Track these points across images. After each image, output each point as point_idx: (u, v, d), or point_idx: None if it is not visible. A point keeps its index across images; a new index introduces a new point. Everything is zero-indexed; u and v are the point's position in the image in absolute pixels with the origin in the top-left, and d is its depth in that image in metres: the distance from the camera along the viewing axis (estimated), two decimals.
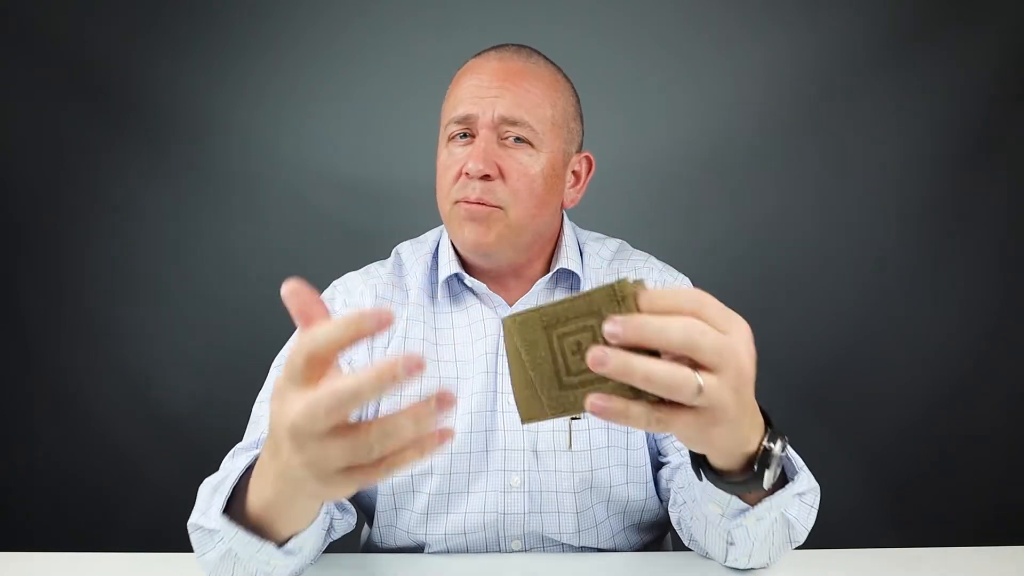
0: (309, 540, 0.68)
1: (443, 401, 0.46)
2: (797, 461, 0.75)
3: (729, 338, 0.50)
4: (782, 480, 0.68)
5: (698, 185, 1.84)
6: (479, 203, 0.89)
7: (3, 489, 1.86)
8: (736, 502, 0.68)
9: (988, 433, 1.81)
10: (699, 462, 0.65)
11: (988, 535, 1.02)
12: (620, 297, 0.50)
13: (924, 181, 1.80)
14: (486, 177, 0.88)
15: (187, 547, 0.90)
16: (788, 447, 0.65)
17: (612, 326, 0.48)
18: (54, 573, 0.87)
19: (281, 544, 0.64)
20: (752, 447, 0.59)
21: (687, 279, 1.04)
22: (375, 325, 0.45)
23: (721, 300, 0.52)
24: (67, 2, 1.79)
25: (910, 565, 0.87)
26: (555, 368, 0.52)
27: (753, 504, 0.68)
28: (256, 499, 0.61)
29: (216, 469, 0.81)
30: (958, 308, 1.81)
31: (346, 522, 0.85)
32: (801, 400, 1.82)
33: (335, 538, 0.85)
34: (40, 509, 1.85)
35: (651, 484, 0.96)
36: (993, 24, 1.75)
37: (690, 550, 0.88)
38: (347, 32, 1.84)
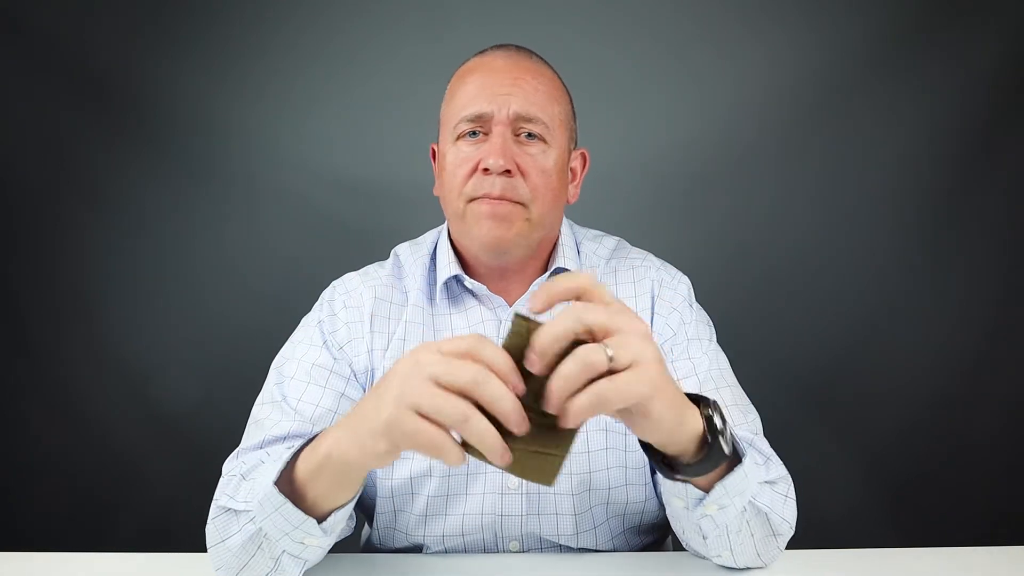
0: (340, 523, 0.71)
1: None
2: (763, 447, 0.78)
3: (611, 306, 0.57)
4: (735, 463, 0.70)
5: (698, 184, 1.84)
6: (501, 199, 0.88)
7: (3, 489, 1.86)
8: (692, 491, 0.71)
9: (988, 433, 1.81)
10: (658, 459, 0.69)
11: (988, 535, 1.02)
12: (527, 333, 0.56)
13: (924, 181, 1.80)
14: (506, 173, 0.88)
15: (186, 547, 0.90)
16: (733, 427, 0.70)
17: (528, 365, 0.56)
18: (54, 573, 0.86)
19: (320, 521, 0.68)
20: (697, 423, 0.65)
21: (686, 278, 1.03)
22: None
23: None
24: (67, 2, 1.79)
25: (910, 565, 0.87)
26: (539, 422, 0.57)
27: (707, 490, 0.70)
28: (304, 465, 0.66)
29: (215, 469, 0.81)
30: (958, 308, 1.81)
31: (349, 526, 0.86)
32: (801, 400, 1.82)
33: (338, 540, 0.85)
34: (40, 509, 1.85)
35: (651, 486, 0.95)
36: (993, 24, 1.75)
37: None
38: (347, 32, 1.84)
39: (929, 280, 1.82)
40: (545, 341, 0.54)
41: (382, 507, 0.94)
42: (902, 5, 1.77)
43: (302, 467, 0.66)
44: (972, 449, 1.81)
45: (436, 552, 0.94)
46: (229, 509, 0.74)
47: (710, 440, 0.66)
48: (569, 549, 0.94)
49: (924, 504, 1.82)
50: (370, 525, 1.01)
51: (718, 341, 0.99)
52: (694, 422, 0.65)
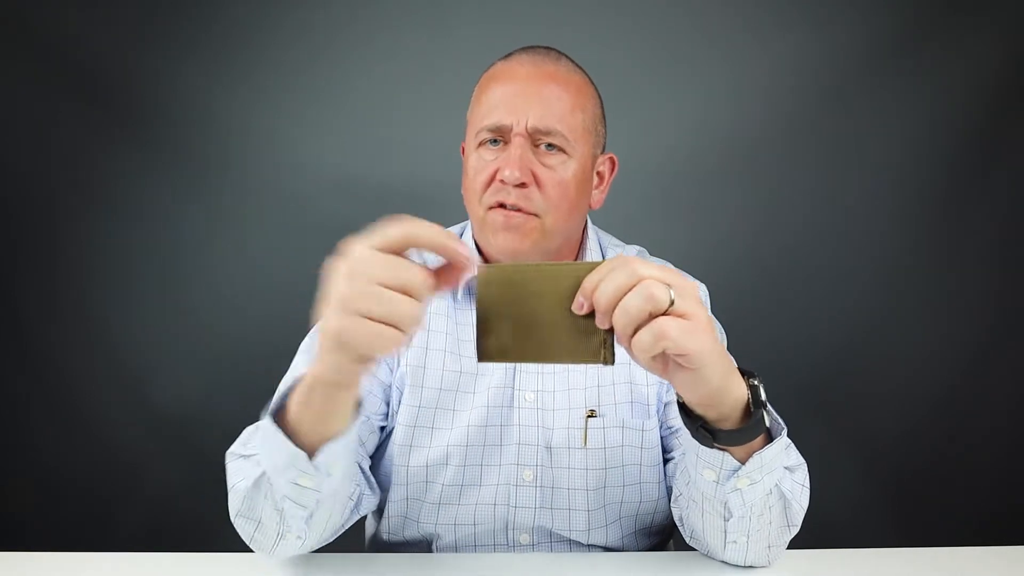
0: (334, 466, 0.70)
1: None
2: (783, 427, 0.79)
3: (664, 269, 0.60)
4: (768, 438, 0.72)
5: (698, 186, 1.84)
6: (516, 210, 0.89)
7: (1, 489, 1.85)
8: (729, 461, 0.71)
9: (988, 433, 1.81)
10: (697, 425, 0.70)
11: (988, 535, 1.02)
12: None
13: (924, 181, 1.80)
14: (521, 184, 0.89)
15: (185, 546, 0.90)
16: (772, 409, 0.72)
17: (576, 308, 0.60)
18: (54, 573, 0.86)
19: (312, 457, 0.68)
20: (742, 390, 0.67)
21: (703, 285, 1.04)
22: (461, 257, 0.60)
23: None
24: (68, 2, 1.79)
25: (910, 565, 0.87)
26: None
27: (744, 461, 0.71)
28: (294, 395, 0.67)
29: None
30: (958, 307, 1.81)
31: (373, 500, 0.88)
32: (801, 400, 1.81)
33: (362, 514, 0.87)
34: (39, 510, 1.85)
35: (663, 485, 0.96)
36: (993, 24, 1.75)
37: (693, 550, 0.88)
38: (349, 30, 1.83)
39: (929, 280, 1.82)
40: (600, 294, 0.58)
41: (396, 495, 0.95)
42: (902, 5, 1.77)
43: (294, 398, 0.67)
44: (971, 449, 1.81)
45: (446, 542, 0.94)
46: (241, 455, 0.77)
47: (754, 409, 0.68)
48: (579, 545, 0.95)
49: (924, 504, 1.82)
50: (379, 516, 1.01)
51: (728, 347, 1.00)
52: (739, 389, 0.67)
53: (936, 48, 1.77)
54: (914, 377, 1.82)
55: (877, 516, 1.83)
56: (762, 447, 0.71)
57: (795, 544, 0.85)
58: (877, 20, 1.78)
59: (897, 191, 1.81)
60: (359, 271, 0.57)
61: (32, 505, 1.85)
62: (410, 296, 0.57)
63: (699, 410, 0.69)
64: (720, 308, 1.09)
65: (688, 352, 0.60)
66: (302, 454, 0.67)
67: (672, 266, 1.04)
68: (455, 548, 0.95)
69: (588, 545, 0.95)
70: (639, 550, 0.97)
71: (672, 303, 0.58)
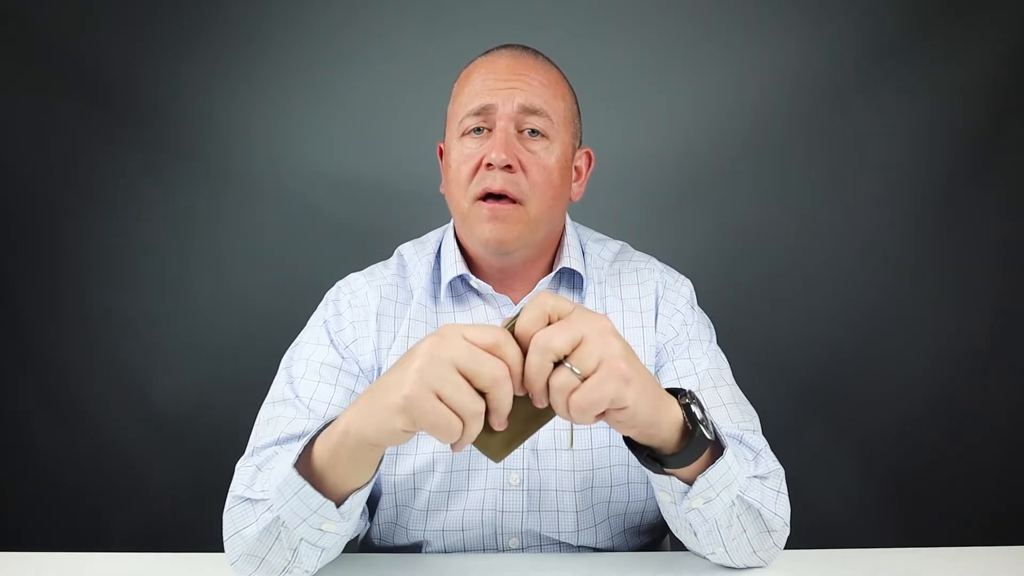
0: (357, 509, 0.71)
1: None
2: (754, 443, 0.80)
3: (571, 318, 0.60)
4: (718, 455, 0.72)
5: (697, 184, 1.84)
6: (502, 194, 0.89)
7: (1, 489, 1.85)
8: (677, 484, 0.73)
9: (988, 433, 1.81)
10: (643, 454, 0.71)
11: (988, 535, 1.02)
12: None
13: (924, 181, 1.80)
14: (508, 168, 0.89)
15: (181, 547, 0.90)
16: (713, 419, 0.73)
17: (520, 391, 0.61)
18: (52, 573, 0.86)
19: (338, 505, 0.69)
20: (676, 412, 0.68)
21: (688, 281, 1.04)
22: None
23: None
24: (67, 2, 1.79)
25: (910, 565, 0.87)
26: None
27: (690, 482, 0.72)
28: (322, 446, 0.67)
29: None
30: (958, 307, 1.81)
31: (361, 524, 0.87)
32: (801, 400, 1.82)
33: (350, 538, 0.85)
34: (36, 509, 1.85)
35: (651, 484, 0.96)
36: (993, 24, 1.75)
37: (687, 550, 0.88)
38: (348, 30, 1.83)
39: (928, 280, 1.82)
40: (531, 380, 0.59)
41: (385, 503, 0.94)
42: (902, 5, 1.77)
43: (320, 449, 0.68)
44: (971, 449, 1.81)
45: (435, 548, 0.94)
46: (246, 499, 0.75)
47: (691, 428, 0.69)
48: (568, 546, 0.94)
49: (924, 504, 1.81)
50: (369, 521, 1.01)
51: (719, 341, 1.00)
52: (673, 411, 0.68)
53: (936, 48, 1.77)
54: (914, 377, 1.82)
55: (877, 516, 1.83)
56: (706, 467, 0.72)
57: (795, 544, 0.85)
58: (877, 20, 1.78)
59: (897, 191, 1.81)
60: (444, 349, 0.58)
61: (31, 505, 1.85)
62: (483, 391, 0.58)
63: (642, 440, 0.70)
64: (721, 307, 1.09)
65: (604, 407, 0.61)
66: (330, 504, 0.68)
67: (656, 261, 1.05)
68: (444, 553, 0.94)
69: (578, 546, 0.94)
70: (630, 550, 0.97)
71: (578, 375, 0.59)
